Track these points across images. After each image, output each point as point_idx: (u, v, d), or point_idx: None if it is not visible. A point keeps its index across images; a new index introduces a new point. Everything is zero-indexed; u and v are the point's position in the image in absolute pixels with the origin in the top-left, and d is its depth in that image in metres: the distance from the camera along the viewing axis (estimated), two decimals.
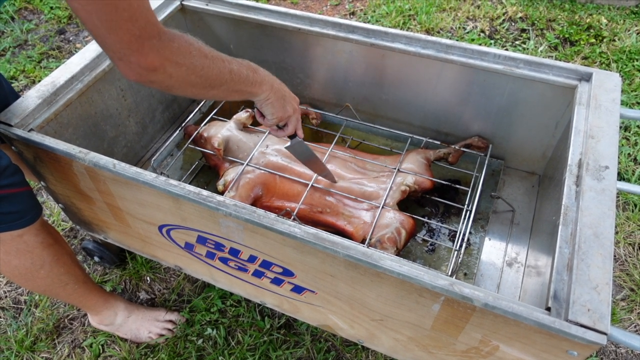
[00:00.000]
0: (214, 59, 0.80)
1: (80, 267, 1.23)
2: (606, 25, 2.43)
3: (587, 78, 1.10)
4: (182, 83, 0.77)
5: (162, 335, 1.37)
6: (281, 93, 0.97)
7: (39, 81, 1.38)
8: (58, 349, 1.39)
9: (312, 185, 1.24)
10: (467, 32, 2.46)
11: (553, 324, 0.70)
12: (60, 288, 1.18)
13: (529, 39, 2.40)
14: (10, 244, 1.02)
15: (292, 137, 1.10)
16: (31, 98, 1.09)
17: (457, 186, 1.34)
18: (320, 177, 1.25)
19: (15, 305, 1.50)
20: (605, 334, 0.69)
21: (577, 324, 0.70)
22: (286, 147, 1.14)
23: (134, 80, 0.73)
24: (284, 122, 1.05)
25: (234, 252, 1.04)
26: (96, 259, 1.54)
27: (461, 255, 1.09)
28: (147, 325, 1.37)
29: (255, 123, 1.44)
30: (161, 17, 1.34)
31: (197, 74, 0.78)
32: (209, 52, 0.80)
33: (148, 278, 1.53)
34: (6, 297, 1.51)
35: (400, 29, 2.40)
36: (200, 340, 1.37)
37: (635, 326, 1.38)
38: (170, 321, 1.40)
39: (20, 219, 1.00)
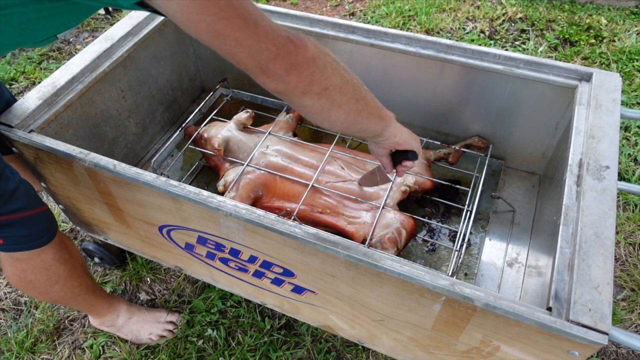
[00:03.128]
0: (339, 63, 0.74)
1: (91, 277, 1.23)
2: (606, 25, 2.44)
3: (587, 78, 1.11)
4: (337, 75, 0.71)
5: (162, 337, 1.37)
6: (400, 125, 0.90)
7: (39, 82, 1.38)
8: (58, 350, 1.39)
9: (312, 185, 1.24)
10: (467, 33, 2.46)
11: (554, 324, 0.70)
12: (72, 299, 1.18)
13: (528, 39, 2.40)
14: (27, 262, 1.01)
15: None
16: (32, 99, 1.09)
17: (458, 186, 1.34)
18: (320, 178, 1.25)
19: (15, 307, 1.50)
20: (606, 334, 0.69)
21: (578, 324, 0.70)
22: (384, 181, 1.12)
23: (295, 79, 0.66)
24: (416, 150, 0.95)
25: (235, 253, 1.04)
26: (96, 259, 1.54)
27: (462, 256, 1.09)
28: (148, 327, 1.37)
29: (256, 124, 1.44)
30: (161, 18, 1.35)
31: (343, 69, 0.73)
32: (357, 82, 0.76)
33: (148, 279, 1.53)
34: (6, 298, 1.51)
35: (400, 30, 2.40)
36: (201, 341, 1.37)
37: (636, 326, 1.38)
38: (171, 322, 1.40)
39: (37, 241, 0.97)
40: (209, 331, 1.38)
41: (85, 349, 1.39)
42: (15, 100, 1.12)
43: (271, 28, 0.62)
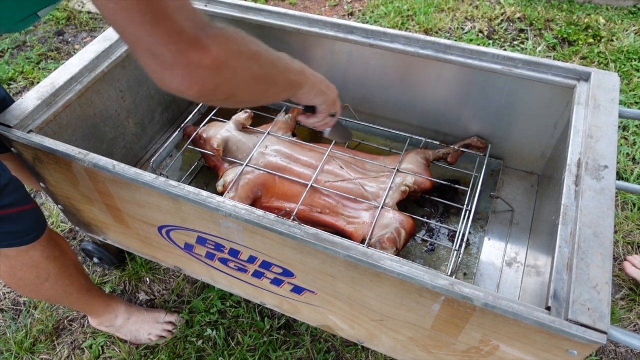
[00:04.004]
0: (258, 43, 0.68)
1: (85, 276, 1.22)
2: (604, 25, 2.44)
3: (586, 78, 1.11)
4: (247, 79, 0.64)
5: (162, 337, 1.37)
6: (318, 77, 0.87)
7: (38, 83, 1.37)
8: (58, 350, 1.39)
9: (311, 185, 1.24)
10: (466, 33, 2.46)
11: (553, 324, 0.70)
12: (65, 298, 1.18)
13: (527, 39, 2.40)
14: (15, 259, 1.01)
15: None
16: (30, 99, 1.09)
17: (457, 186, 1.34)
18: (320, 177, 1.25)
19: (14, 307, 1.50)
20: (605, 333, 0.69)
21: (577, 323, 0.70)
22: (326, 135, 1.11)
23: (197, 94, 0.58)
24: (334, 109, 0.94)
25: (234, 253, 1.04)
26: (95, 260, 1.54)
27: (461, 255, 1.09)
28: (147, 327, 1.37)
29: (255, 124, 1.44)
30: None
31: (259, 63, 0.66)
32: (249, 37, 0.67)
33: (148, 279, 1.53)
34: (5, 298, 1.51)
35: (399, 30, 2.40)
36: (200, 342, 1.37)
37: (635, 325, 1.38)
38: (170, 323, 1.40)
39: (24, 238, 0.98)
40: (209, 331, 1.39)
41: (85, 349, 1.39)
42: (11, 99, 1.12)
43: (173, 30, 0.53)
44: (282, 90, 0.77)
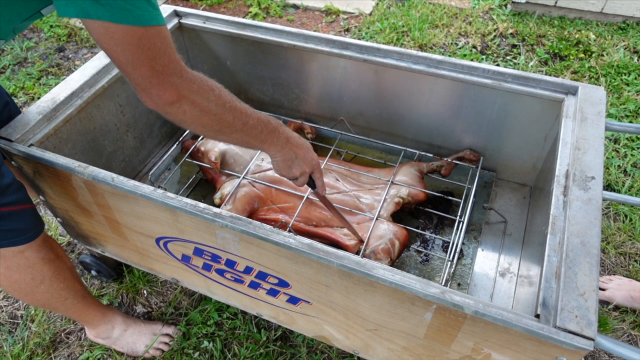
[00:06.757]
0: (231, 109, 0.85)
1: (80, 282, 1.24)
2: (594, 40, 2.49)
3: (573, 92, 1.14)
4: (194, 121, 0.83)
5: (159, 349, 1.37)
6: (291, 156, 1.01)
7: (38, 98, 1.40)
8: None
9: (307, 197, 1.26)
10: (460, 48, 2.51)
11: (542, 331, 0.72)
12: (59, 303, 1.19)
13: (519, 54, 2.45)
14: (11, 260, 1.03)
15: (313, 186, 1.13)
16: (31, 114, 1.12)
17: (450, 198, 1.36)
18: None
19: (11, 320, 1.50)
20: (592, 339, 0.71)
21: (565, 330, 0.72)
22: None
23: (152, 108, 0.79)
24: (290, 178, 1.09)
25: (230, 264, 1.06)
26: (93, 272, 1.55)
27: (454, 266, 1.11)
28: (144, 339, 1.38)
29: None
30: None
31: (210, 118, 0.83)
32: (229, 101, 0.85)
33: (145, 291, 1.54)
34: (2, 311, 1.52)
35: (394, 45, 2.44)
36: (197, 354, 1.38)
37: (628, 335, 1.39)
38: (167, 335, 1.40)
39: (22, 236, 1.01)
40: (205, 343, 1.39)
41: None
42: (15, 105, 1.15)
43: (155, 70, 0.73)
44: (235, 143, 0.94)
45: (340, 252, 0.84)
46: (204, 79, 0.82)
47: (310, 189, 1.22)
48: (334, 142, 1.47)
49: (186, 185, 1.46)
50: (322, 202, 1.18)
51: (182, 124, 0.84)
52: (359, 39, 2.56)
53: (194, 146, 1.41)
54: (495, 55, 2.46)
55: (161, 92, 0.75)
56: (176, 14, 1.45)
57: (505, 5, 2.82)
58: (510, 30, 2.60)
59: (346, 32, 2.70)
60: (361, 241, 1.19)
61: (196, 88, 0.79)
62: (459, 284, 1.22)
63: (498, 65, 2.34)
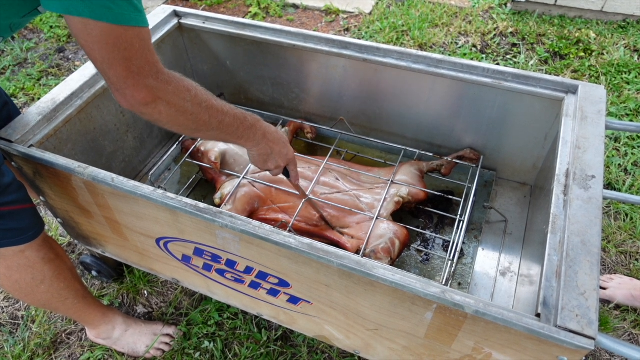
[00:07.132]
0: (208, 108, 0.86)
1: (81, 282, 1.24)
2: (595, 39, 2.49)
3: (573, 90, 1.14)
4: (170, 121, 0.83)
5: (159, 350, 1.37)
6: (267, 150, 1.04)
7: (38, 99, 1.40)
8: None
9: (308, 197, 1.25)
10: (460, 47, 2.51)
11: (542, 330, 0.72)
12: (60, 303, 1.19)
13: (519, 53, 2.45)
14: (12, 259, 1.04)
15: (287, 175, 1.16)
16: (31, 115, 1.12)
17: (451, 197, 1.36)
18: (316, 189, 1.27)
19: (12, 321, 1.50)
20: (593, 339, 0.70)
21: (565, 329, 0.72)
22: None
23: (127, 108, 0.79)
24: (265, 170, 1.12)
25: (231, 264, 1.06)
26: (94, 273, 1.55)
27: (454, 265, 1.11)
28: (145, 339, 1.38)
29: None
30: (159, 35, 1.38)
31: (186, 117, 0.84)
32: (206, 100, 0.86)
33: (145, 292, 1.54)
34: (3, 312, 1.52)
35: (394, 45, 2.44)
36: (198, 354, 1.38)
37: (629, 334, 1.39)
38: (168, 335, 1.40)
39: (23, 235, 1.01)
40: (206, 343, 1.39)
41: None
42: (14, 105, 1.15)
43: (131, 71, 0.73)
44: (213, 139, 0.97)
45: (341, 252, 0.84)
46: (181, 79, 0.82)
47: (310, 189, 1.22)
48: (334, 141, 1.47)
49: (186, 186, 1.46)
50: (295, 189, 1.21)
51: (157, 123, 0.84)
52: (358, 38, 2.55)
53: (194, 146, 1.41)
54: (495, 54, 2.46)
55: (135, 93, 0.75)
56: (176, 14, 1.45)
57: (505, 4, 2.82)
58: (510, 29, 2.60)
59: (346, 32, 2.70)
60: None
61: (172, 89, 0.79)
62: (459, 284, 1.22)
63: (498, 64, 2.34)
